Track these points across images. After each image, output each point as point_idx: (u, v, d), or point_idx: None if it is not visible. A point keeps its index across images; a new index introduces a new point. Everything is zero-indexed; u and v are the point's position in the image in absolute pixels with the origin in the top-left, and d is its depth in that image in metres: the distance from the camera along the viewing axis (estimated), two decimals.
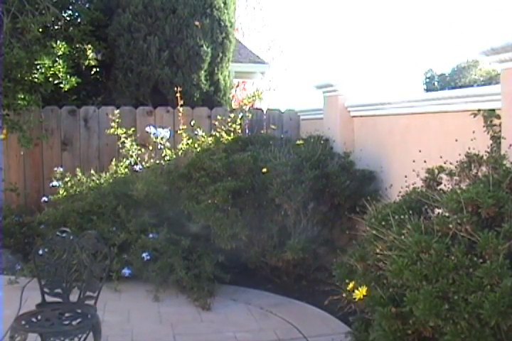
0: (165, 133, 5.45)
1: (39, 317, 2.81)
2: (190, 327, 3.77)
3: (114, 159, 5.60)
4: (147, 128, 5.51)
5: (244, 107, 6.13)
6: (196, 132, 5.55)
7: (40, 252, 3.33)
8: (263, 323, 3.86)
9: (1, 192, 5.78)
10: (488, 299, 1.88)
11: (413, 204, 2.64)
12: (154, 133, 5.44)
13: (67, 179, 5.28)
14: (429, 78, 38.47)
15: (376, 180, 4.55)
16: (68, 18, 6.42)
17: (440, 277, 2.05)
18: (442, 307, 1.98)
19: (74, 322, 2.78)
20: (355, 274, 2.57)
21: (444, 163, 2.84)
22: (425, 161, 3.19)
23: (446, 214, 2.27)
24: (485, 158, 2.67)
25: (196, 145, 5.38)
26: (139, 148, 5.47)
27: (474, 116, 3.36)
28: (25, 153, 5.82)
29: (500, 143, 3.07)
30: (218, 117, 5.81)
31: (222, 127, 5.64)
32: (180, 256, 4.41)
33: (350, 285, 2.48)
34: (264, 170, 4.37)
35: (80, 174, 5.37)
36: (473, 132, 3.32)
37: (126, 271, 4.53)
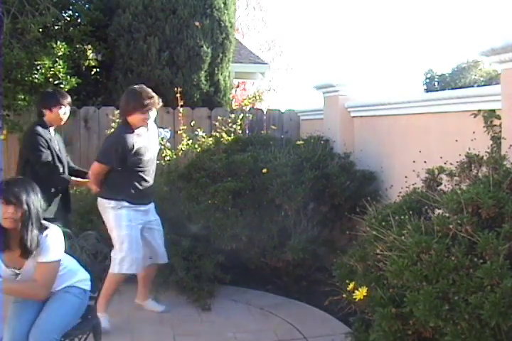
0: (165, 133, 5.44)
1: None
2: (190, 327, 3.77)
3: None
4: None
5: (244, 108, 6.13)
6: (196, 132, 5.55)
7: None
8: (263, 324, 3.86)
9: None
10: (488, 300, 1.88)
11: (413, 205, 2.64)
12: None
13: None
14: (429, 78, 38.47)
15: (376, 180, 4.55)
16: (68, 19, 6.40)
17: (440, 277, 2.05)
18: (442, 308, 1.98)
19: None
20: (356, 275, 2.57)
21: (445, 164, 2.84)
22: (425, 162, 3.19)
23: (447, 215, 2.27)
24: (485, 158, 2.66)
25: (196, 145, 5.38)
26: None
27: (474, 117, 3.36)
28: None
29: (500, 143, 3.07)
30: (218, 118, 5.81)
31: (223, 127, 5.64)
32: (180, 257, 4.40)
33: (351, 286, 2.48)
34: (265, 170, 4.37)
35: None
36: (474, 132, 3.32)
37: None
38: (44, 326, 2.56)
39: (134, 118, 3.77)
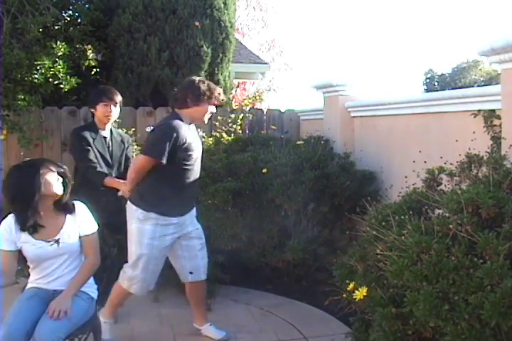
0: None
1: None
2: (190, 327, 3.76)
3: None
4: (147, 129, 5.50)
5: (244, 108, 6.13)
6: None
7: None
8: (263, 324, 3.86)
9: (1, 192, 5.77)
10: (488, 300, 1.88)
11: (413, 205, 2.64)
12: None
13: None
14: (429, 78, 38.50)
15: (376, 180, 4.55)
16: (68, 19, 6.41)
17: (440, 277, 2.04)
18: (442, 308, 1.98)
19: None
20: (356, 275, 2.57)
21: (445, 164, 2.84)
22: (425, 162, 3.19)
23: (447, 215, 2.27)
24: (485, 158, 2.67)
25: None
26: (139, 148, 5.46)
27: (474, 117, 3.36)
28: (26, 153, 5.81)
29: (500, 143, 3.07)
30: (219, 118, 5.81)
31: (223, 127, 5.64)
32: None
33: (351, 286, 2.48)
34: (265, 170, 4.37)
35: None
36: (474, 132, 3.32)
37: None
38: (52, 323, 2.57)
39: (193, 112, 3.31)
